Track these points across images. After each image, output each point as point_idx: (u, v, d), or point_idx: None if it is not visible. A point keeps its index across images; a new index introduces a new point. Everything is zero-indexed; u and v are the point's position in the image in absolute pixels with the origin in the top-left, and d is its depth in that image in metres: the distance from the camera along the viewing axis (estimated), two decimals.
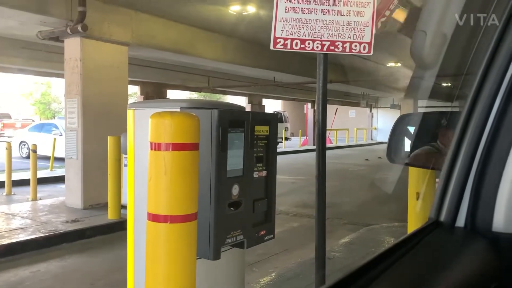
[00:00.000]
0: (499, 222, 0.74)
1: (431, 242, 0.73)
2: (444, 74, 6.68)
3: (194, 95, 24.66)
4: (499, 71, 0.75)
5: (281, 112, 22.81)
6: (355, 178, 11.68)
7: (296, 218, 6.90)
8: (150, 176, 1.42)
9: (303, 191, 8.89)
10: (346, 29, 2.52)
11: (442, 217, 0.79)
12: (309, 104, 23.53)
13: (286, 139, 21.34)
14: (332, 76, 14.10)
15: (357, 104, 25.20)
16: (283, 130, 21.10)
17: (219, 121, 1.71)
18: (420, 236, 0.73)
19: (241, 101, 19.91)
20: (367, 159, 15.82)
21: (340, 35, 2.53)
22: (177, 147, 1.38)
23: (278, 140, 18.59)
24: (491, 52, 0.76)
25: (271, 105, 23.66)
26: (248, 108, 18.45)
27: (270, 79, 14.68)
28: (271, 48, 2.55)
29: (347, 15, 2.53)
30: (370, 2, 2.52)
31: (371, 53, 2.52)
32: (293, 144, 21.57)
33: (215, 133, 1.72)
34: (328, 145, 22.59)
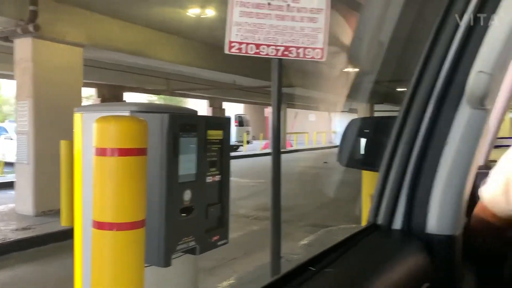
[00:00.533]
0: (432, 224, 0.77)
1: (368, 243, 0.75)
2: (398, 79, 6.93)
3: (153, 98, 24.29)
4: (431, 76, 0.78)
5: (242, 115, 22.83)
6: (314, 180, 11.85)
7: (256, 221, 6.92)
8: (95, 182, 1.38)
9: (263, 194, 8.92)
10: (300, 35, 2.56)
11: (380, 220, 0.80)
12: (270, 108, 23.67)
13: (248, 142, 21.37)
14: (291, 81, 14.29)
15: (316, 108, 25.63)
16: (245, 133, 21.13)
17: (170, 126, 1.69)
18: (357, 238, 0.75)
19: (202, 104, 19.80)
20: (326, 162, 16.10)
21: (294, 40, 2.56)
22: (123, 152, 1.34)
23: (239, 144, 18.51)
24: (424, 58, 0.79)
25: (233, 109, 23.65)
26: (209, 112, 18.36)
27: (231, 82, 14.68)
28: (226, 52, 2.55)
29: (301, 21, 2.56)
30: (323, 9, 2.56)
31: (324, 59, 2.56)
32: (254, 148, 21.64)
33: (166, 138, 1.69)
34: (288, 148, 22.75)
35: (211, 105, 19.00)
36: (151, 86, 14.88)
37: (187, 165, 1.80)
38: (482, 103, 0.71)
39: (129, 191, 1.37)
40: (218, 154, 2.00)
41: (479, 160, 0.85)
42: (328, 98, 22.90)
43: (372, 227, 0.81)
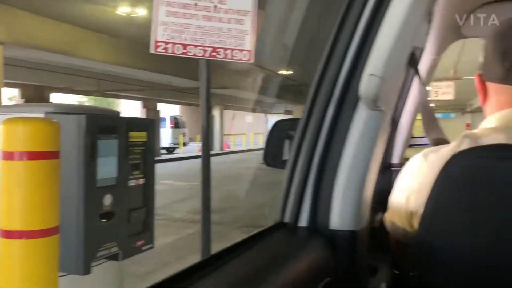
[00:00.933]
0: (335, 221, 0.80)
1: (273, 241, 0.76)
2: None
3: (83, 99, 23.24)
4: (331, 79, 0.81)
5: (178, 117, 22.50)
6: (250, 181, 11.95)
7: (192, 224, 6.83)
8: (2, 188, 1.29)
9: (200, 197, 8.82)
10: (227, 36, 2.56)
11: (286, 218, 0.82)
12: None
13: (184, 144, 21.09)
14: (228, 82, 14.30)
15: (253, 110, 25.88)
16: (181, 135, 20.83)
17: (87, 127, 1.62)
18: (264, 235, 0.76)
19: (135, 105, 19.25)
20: (262, 162, 16.28)
21: (221, 41, 2.56)
22: (32, 156, 1.26)
23: (175, 146, 18.15)
24: (325, 61, 0.82)
25: (169, 110, 23.21)
26: (143, 113, 17.88)
27: (166, 83, 14.41)
28: (151, 51, 2.50)
29: (228, 23, 2.57)
30: (250, 11, 2.59)
31: (252, 61, 2.59)
32: (191, 150, 21.39)
33: (83, 140, 1.62)
34: (225, 150, 22.72)
35: (145, 106, 18.52)
36: (80, 87, 14.23)
37: (107, 168, 1.74)
38: (375, 104, 0.74)
39: (39, 196, 1.29)
40: (142, 157, 1.95)
41: (379, 157, 0.89)
42: (265, 100, 23.22)
43: (279, 225, 0.82)
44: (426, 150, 1.38)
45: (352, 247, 0.80)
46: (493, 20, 1.41)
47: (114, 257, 1.82)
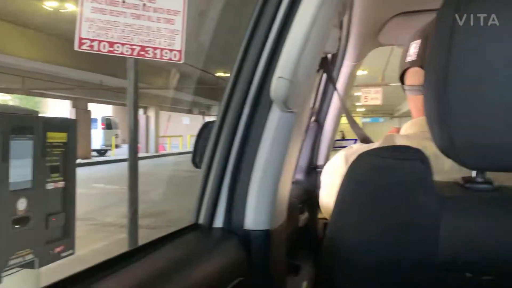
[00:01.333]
0: (249, 221, 0.80)
1: (185, 242, 0.75)
2: None
3: (7, 98, 21.73)
4: (246, 80, 0.81)
5: (111, 117, 21.71)
6: (186, 184, 11.80)
7: (124, 229, 6.60)
8: None
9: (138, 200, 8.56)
10: (157, 36, 2.52)
11: (201, 220, 0.82)
12: (142, 110, 22.98)
13: (117, 146, 20.38)
14: (163, 83, 14.05)
15: (190, 112, 25.60)
16: (113, 137, 20.12)
17: None
18: (175, 237, 0.74)
19: (65, 105, 18.31)
20: None
21: (150, 40, 2.51)
22: None
23: (107, 148, 17.53)
24: (240, 62, 0.83)
25: (101, 110, 22.31)
26: (72, 113, 17.04)
27: (97, 82, 13.86)
28: (76, 48, 2.40)
29: (157, 22, 2.52)
30: (180, 11, 2.56)
31: (182, 61, 2.56)
32: (124, 152, 20.72)
33: None
34: (161, 152, 22.28)
35: (74, 106, 17.66)
36: (2, 85, 13.30)
37: (21, 171, 1.63)
38: (286, 106, 0.76)
39: None
40: (62, 159, 1.85)
41: (295, 157, 0.91)
42: (202, 102, 23.07)
43: (194, 226, 0.81)
44: (345, 149, 1.45)
45: (267, 246, 0.81)
46: (407, 29, 1.50)
47: (29, 265, 1.71)
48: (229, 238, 0.79)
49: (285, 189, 0.90)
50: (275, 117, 0.79)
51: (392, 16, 1.44)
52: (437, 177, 0.83)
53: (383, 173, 0.73)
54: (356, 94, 14.35)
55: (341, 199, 0.78)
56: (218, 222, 0.81)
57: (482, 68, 0.63)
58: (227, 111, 0.82)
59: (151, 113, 22.19)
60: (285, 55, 0.73)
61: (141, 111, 23.18)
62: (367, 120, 34.68)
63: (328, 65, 0.94)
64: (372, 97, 12.50)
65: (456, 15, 0.64)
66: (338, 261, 0.76)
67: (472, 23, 0.63)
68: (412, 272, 0.69)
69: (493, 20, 0.63)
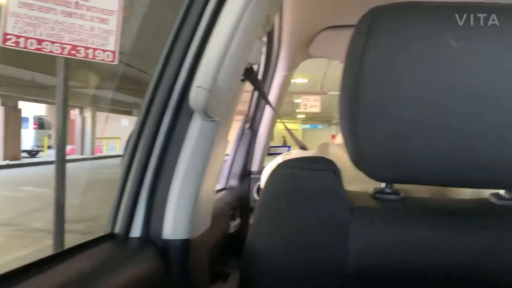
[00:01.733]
0: (168, 230, 0.79)
1: (99, 252, 0.72)
2: None
3: None
4: (167, 88, 0.81)
5: (44, 117, 20.59)
6: None
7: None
8: None
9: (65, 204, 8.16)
10: (90, 35, 2.43)
11: (117, 229, 0.79)
12: (77, 110, 21.99)
13: (49, 147, 19.35)
14: (101, 83, 13.55)
15: (130, 113, 24.87)
16: (46, 137, 19.09)
17: None
18: (89, 246, 0.72)
19: None
20: None
21: (82, 40, 2.41)
22: None
23: (39, 149, 16.57)
24: (161, 67, 0.82)
25: (33, 109, 21.09)
26: (0, 112, 15.97)
27: (29, 79, 13.10)
28: (0, 44, 2.25)
29: (91, 21, 2.43)
30: (115, 11, 2.49)
31: (116, 62, 2.49)
32: None
33: None
34: (97, 154, 21.38)
35: (3, 104, 16.56)
36: None
37: None
38: (207, 115, 0.76)
39: None
40: None
41: (218, 167, 0.91)
42: (141, 103, 22.45)
43: (109, 235, 0.79)
44: (283, 154, 1.48)
45: (186, 256, 0.81)
46: (336, 43, 1.56)
47: None
48: (147, 248, 0.78)
49: (208, 197, 0.90)
50: (196, 125, 0.79)
51: (321, 29, 1.49)
52: (356, 186, 0.87)
53: (298, 182, 0.75)
54: (296, 101, 14.67)
55: (260, 206, 0.79)
56: (136, 231, 0.80)
57: (390, 83, 0.67)
58: (147, 117, 0.81)
59: (88, 114, 21.31)
60: (205, 65, 0.73)
61: (77, 112, 22.19)
62: (307, 126, 35.59)
63: (254, 76, 0.96)
64: (311, 104, 12.84)
65: (368, 31, 0.68)
66: (254, 267, 0.77)
67: (381, 38, 0.67)
68: (322, 280, 0.72)
69: (402, 34, 0.66)
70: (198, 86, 0.72)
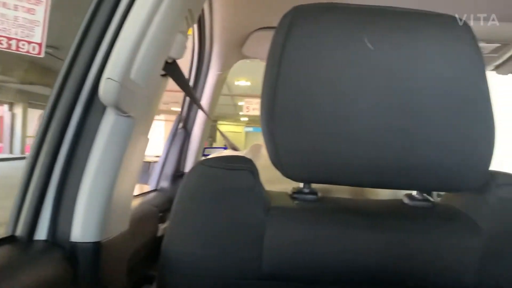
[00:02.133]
0: (77, 233, 0.74)
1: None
2: None
3: None
4: (78, 80, 0.76)
5: None
6: None
7: None
8: None
9: None
10: (13, 25, 2.26)
11: (19, 231, 0.73)
12: (6, 106, 20.63)
13: None
14: (34, 78, 12.82)
15: None
16: None
17: None
18: None
19: None
20: None
21: (5, 30, 2.24)
22: None
23: None
24: (71, 60, 0.77)
25: None
26: None
27: None
28: None
29: (14, 10, 2.27)
30: (42, 1, 2.34)
31: (42, 55, 2.34)
32: None
33: None
34: (28, 153, 20.42)
35: None
36: None
37: None
38: (120, 110, 0.72)
39: None
40: None
41: (136, 166, 0.87)
42: None
43: (9, 238, 0.73)
44: (217, 153, 1.45)
45: (97, 260, 0.76)
46: (268, 44, 1.56)
47: None
48: (53, 251, 0.72)
49: (125, 198, 0.85)
50: (109, 121, 0.75)
51: (254, 30, 1.49)
52: (281, 186, 0.86)
53: (213, 182, 0.73)
54: (240, 103, 14.71)
55: (175, 208, 0.76)
56: (41, 234, 0.74)
57: (306, 83, 0.67)
58: (55, 110, 0.75)
59: (18, 110, 20.08)
60: (115, 56, 0.69)
61: (6, 108, 20.83)
62: (250, 129, 35.77)
63: (177, 71, 0.93)
64: (254, 107, 12.90)
65: (288, 31, 0.67)
66: (169, 272, 0.74)
67: (299, 38, 0.66)
68: (238, 280, 0.70)
69: (320, 34, 0.66)
70: (108, 78, 0.67)
